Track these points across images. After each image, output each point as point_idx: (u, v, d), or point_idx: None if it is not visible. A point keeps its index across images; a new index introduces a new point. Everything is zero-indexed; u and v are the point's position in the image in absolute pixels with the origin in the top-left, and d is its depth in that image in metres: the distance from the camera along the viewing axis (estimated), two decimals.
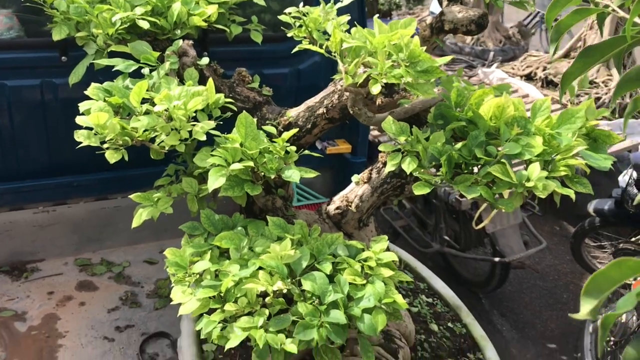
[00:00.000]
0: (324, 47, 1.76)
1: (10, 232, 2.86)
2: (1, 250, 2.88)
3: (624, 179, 3.76)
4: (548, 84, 5.53)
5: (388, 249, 1.82)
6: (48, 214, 2.88)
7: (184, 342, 2.23)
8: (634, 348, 0.60)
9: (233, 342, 1.56)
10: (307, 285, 1.62)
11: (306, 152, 1.95)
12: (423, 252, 3.90)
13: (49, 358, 2.44)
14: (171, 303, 1.74)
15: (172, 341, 2.57)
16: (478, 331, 2.32)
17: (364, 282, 1.66)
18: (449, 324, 2.37)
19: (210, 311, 1.66)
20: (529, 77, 5.71)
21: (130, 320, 2.70)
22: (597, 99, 5.01)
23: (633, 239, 3.89)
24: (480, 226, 1.98)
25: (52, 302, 2.73)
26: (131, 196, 1.95)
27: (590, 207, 3.90)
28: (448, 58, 1.68)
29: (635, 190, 3.61)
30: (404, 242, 3.98)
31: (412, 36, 1.66)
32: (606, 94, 5.04)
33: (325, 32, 1.88)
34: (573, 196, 1.54)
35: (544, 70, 5.63)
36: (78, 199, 2.92)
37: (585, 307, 0.59)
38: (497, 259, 3.47)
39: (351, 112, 1.86)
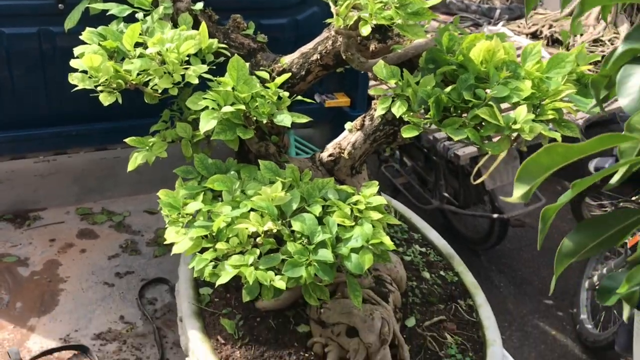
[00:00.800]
0: None
1: (13, 181, 2.90)
2: (4, 198, 2.93)
3: None
4: (554, 42, 5.46)
5: (379, 194, 1.85)
6: (49, 164, 2.92)
7: (181, 287, 2.28)
8: (570, 240, 0.62)
9: (224, 279, 1.60)
10: (296, 225, 1.65)
11: (299, 98, 1.96)
12: (423, 209, 3.92)
13: (51, 301, 2.51)
14: (165, 243, 1.78)
15: (171, 287, 2.63)
16: (469, 279, 2.35)
17: (353, 224, 1.69)
18: (441, 272, 2.40)
19: (203, 250, 1.70)
20: (534, 35, 5.63)
21: (130, 267, 2.76)
22: (603, 56, 4.92)
23: (634, 198, 3.88)
24: (479, 181, 2.00)
25: (53, 249, 2.79)
26: (126, 140, 1.98)
27: (592, 165, 3.88)
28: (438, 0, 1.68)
29: None
30: (404, 199, 4.00)
31: None
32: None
33: None
34: (559, 139, 1.55)
35: (549, 28, 5.55)
36: (78, 149, 2.96)
37: (518, 192, 0.61)
38: (495, 216, 3.49)
39: (344, 57, 1.86)
